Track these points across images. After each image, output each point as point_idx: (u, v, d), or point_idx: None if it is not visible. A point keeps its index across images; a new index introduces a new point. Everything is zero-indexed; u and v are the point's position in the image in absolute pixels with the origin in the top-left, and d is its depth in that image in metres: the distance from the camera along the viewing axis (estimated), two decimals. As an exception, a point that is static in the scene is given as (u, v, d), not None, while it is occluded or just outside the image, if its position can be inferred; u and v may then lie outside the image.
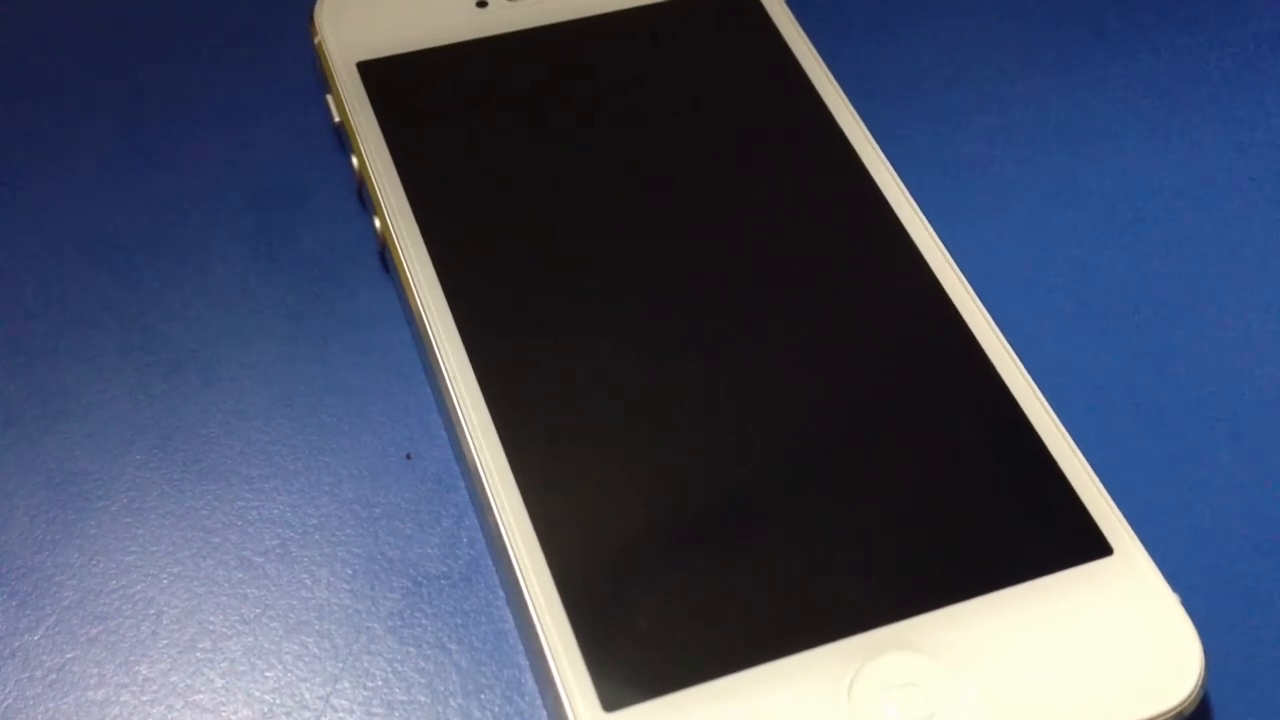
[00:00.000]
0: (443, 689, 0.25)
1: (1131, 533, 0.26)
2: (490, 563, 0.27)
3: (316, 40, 0.32)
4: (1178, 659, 0.24)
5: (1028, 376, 0.27)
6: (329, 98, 0.32)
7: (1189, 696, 0.24)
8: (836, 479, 0.26)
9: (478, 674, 0.26)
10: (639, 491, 0.26)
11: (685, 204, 0.30)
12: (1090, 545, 0.25)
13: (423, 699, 0.25)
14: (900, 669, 0.24)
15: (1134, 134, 0.33)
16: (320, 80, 0.33)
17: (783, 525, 0.26)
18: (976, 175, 0.32)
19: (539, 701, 0.25)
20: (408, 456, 0.28)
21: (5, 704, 0.25)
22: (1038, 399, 0.27)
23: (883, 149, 0.31)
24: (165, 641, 0.26)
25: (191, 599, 0.26)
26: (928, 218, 0.30)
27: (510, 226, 0.29)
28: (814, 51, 0.32)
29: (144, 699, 0.25)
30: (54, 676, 0.25)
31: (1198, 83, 0.34)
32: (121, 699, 0.25)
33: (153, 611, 0.26)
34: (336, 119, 0.31)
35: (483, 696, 0.25)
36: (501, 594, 0.26)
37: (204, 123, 0.33)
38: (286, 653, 0.26)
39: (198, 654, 0.26)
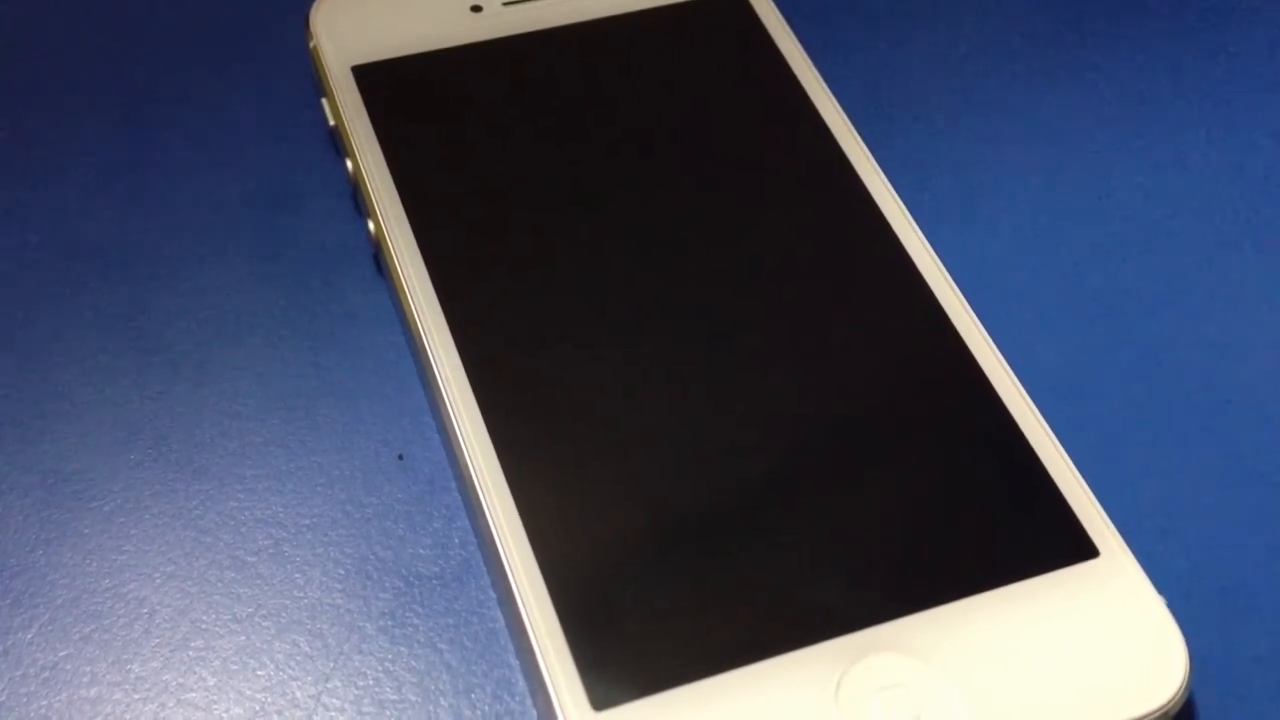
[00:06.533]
0: (433, 688, 0.26)
1: (1117, 535, 0.26)
2: (481, 563, 0.27)
3: (312, 44, 0.33)
4: (1163, 660, 0.24)
5: (1015, 379, 0.28)
6: (324, 101, 0.32)
7: (1173, 697, 0.24)
8: (825, 481, 0.26)
9: (468, 673, 0.26)
10: (629, 493, 0.26)
11: (677, 208, 0.30)
12: (1076, 547, 0.25)
13: (413, 698, 0.25)
14: (887, 670, 0.24)
15: (1124, 138, 0.33)
16: (315, 84, 0.33)
17: (771, 526, 0.26)
18: (966, 178, 0.33)
19: (529, 701, 0.25)
20: (400, 457, 0.28)
21: (-2, 701, 0.25)
22: (1025, 402, 0.27)
23: (872, 153, 0.31)
24: (158, 640, 0.26)
25: (184, 598, 0.26)
26: (916, 221, 0.30)
27: (503, 230, 0.30)
28: (805, 55, 0.33)
29: (136, 697, 0.25)
30: (47, 674, 0.26)
31: (1187, 87, 0.34)
32: (114, 697, 0.25)
33: (145, 610, 0.26)
34: (331, 123, 0.32)
35: (473, 695, 0.26)
36: (492, 594, 0.27)
37: (199, 126, 0.33)
38: (278, 651, 0.26)
39: (190, 652, 0.26)
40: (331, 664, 0.26)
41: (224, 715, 0.25)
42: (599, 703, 0.24)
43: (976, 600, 0.25)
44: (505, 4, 0.33)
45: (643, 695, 0.24)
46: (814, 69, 0.32)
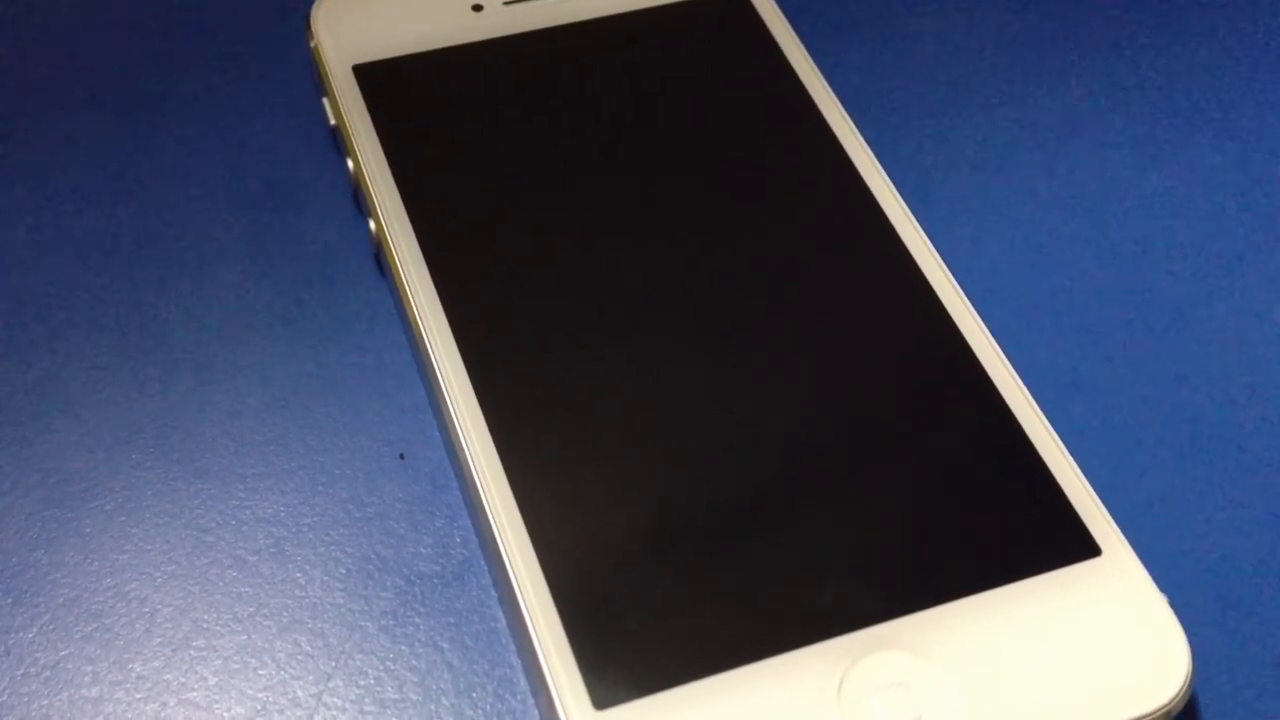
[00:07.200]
0: (435, 687, 0.26)
1: (1120, 534, 0.26)
2: (483, 562, 0.27)
3: (313, 43, 0.33)
4: (1165, 659, 0.24)
5: (1017, 378, 0.27)
6: (325, 101, 0.32)
7: (1176, 696, 0.24)
8: (827, 479, 0.26)
9: (470, 672, 0.26)
10: (630, 491, 0.26)
11: (679, 208, 0.30)
12: (1079, 546, 0.25)
13: (415, 697, 0.25)
14: (889, 668, 0.24)
15: (1127, 138, 0.33)
16: (317, 83, 0.33)
17: (773, 525, 0.26)
18: (968, 178, 0.33)
19: (530, 700, 0.25)
20: (401, 457, 0.28)
21: (-1, 701, 0.25)
22: (1027, 400, 0.27)
23: (875, 152, 0.31)
24: (159, 639, 0.26)
25: (185, 597, 0.26)
26: (919, 220, 0.30)
27: (504, 229, 0.30)
28: (807, 55, 0.33)
29: (137, 696, 0.25)
30: (48, 674, 0.26)
31: (1190, 87, 0.34)
32: (115, 696, 0.25)
33: (147, 610, 0.26)
34: (332, 122, 0.32)
35: (474, 695, 0.26)
36: (494, 593, 0.27)
37: (201, 125, 0.33)
38: (280, 651, 0.26)
39: (191, 652, 0.26)
40: (333, 663, 0.26)
41: (225, 714, 0.25)
42: (600, 702, 0.24)
43: (979, 599, 0.25)
44: (506, 3, 0.33)
45: (644, 694, 0.24)
46: (816, 69, 0.32)
